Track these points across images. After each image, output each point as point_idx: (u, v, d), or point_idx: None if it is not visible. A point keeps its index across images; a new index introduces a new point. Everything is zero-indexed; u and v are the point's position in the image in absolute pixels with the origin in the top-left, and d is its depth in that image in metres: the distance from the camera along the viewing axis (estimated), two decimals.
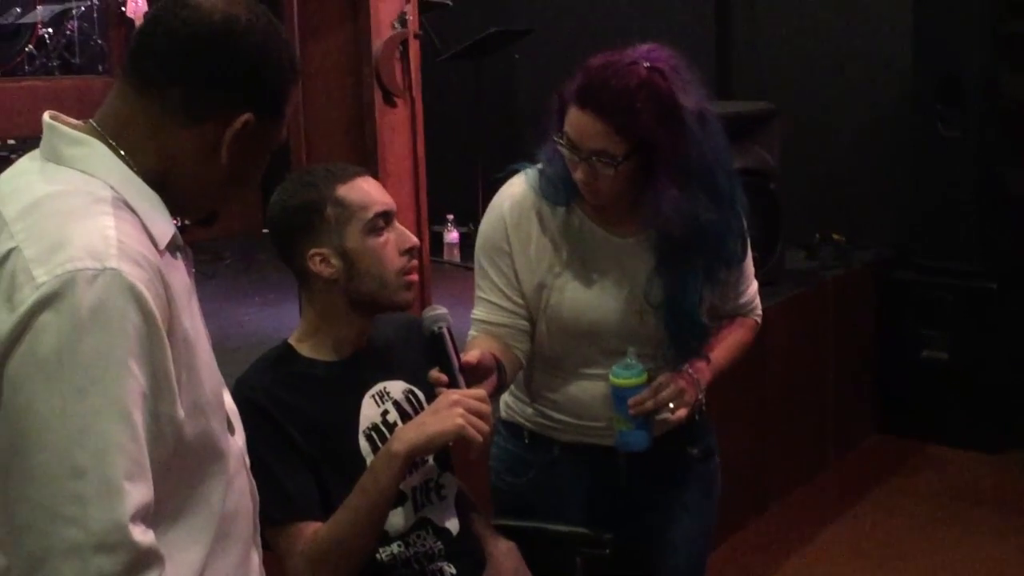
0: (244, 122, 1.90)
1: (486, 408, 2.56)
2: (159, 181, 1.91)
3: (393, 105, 4.47)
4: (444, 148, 6.78)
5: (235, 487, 2.03)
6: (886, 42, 7.04)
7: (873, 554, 5.28)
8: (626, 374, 2.88)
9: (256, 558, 2.14)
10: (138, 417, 1.73)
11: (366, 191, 2.75)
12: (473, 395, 2.57)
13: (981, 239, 6.40)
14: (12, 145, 7.87)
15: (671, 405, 2.87)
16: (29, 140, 7.90)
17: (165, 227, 1.90)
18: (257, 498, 2.17)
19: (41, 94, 8.26)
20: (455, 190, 7.51)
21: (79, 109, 7.33)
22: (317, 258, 2.72)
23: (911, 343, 6.57)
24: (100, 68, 8.64)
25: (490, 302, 2.98)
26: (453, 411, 2.52)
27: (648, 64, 2.76)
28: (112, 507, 1.68)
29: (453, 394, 2.56)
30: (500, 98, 8.24)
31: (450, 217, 7.61)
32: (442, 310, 2.67)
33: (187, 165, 1.91)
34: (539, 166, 2.98)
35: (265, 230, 2.85)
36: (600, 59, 2.80)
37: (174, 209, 1.95)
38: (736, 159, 2.88)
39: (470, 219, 7.82)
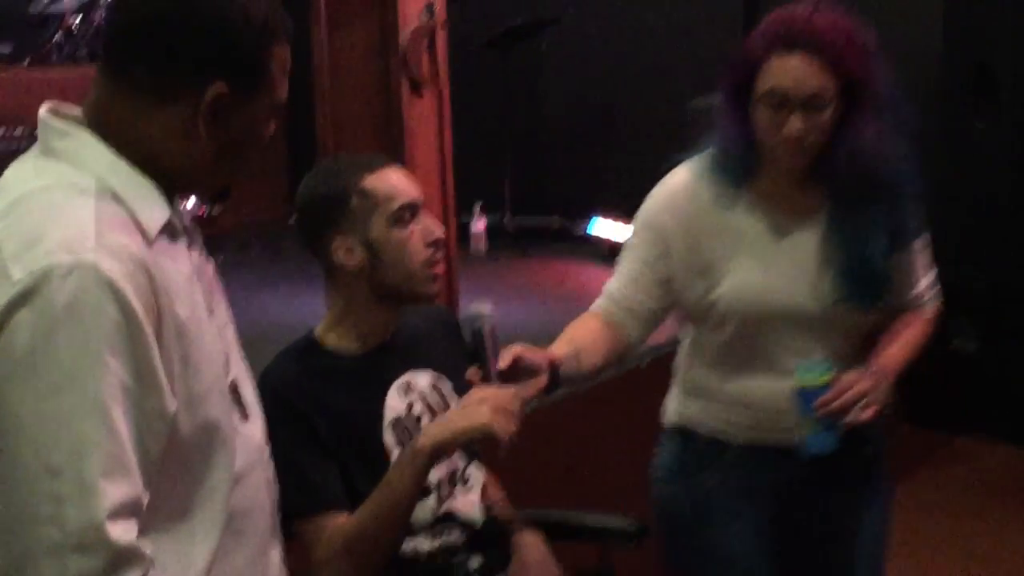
0: (216, 95, 1.82)
1: (514, 406, 2.52)
2: (148, 164, 1.85)
3: (420, 96, 4.47)
4: (472, 138, 6.77)
5: (250, 481, 2.00)
6: (916, 31, 6.99)
7: (901, 546, 5.25)
8: (812, 374, 2.74)
9: (276, 554, 2.12)
10: (118, 413, 1.69)
11: (393, 182, 2.74)
12: (502, 393, 2.53)
13: (1013, 230, 6.35)
14: None
15: (859, 405, 2.73)
16: None
17: (156, 213, 1.84)
18: (276, 492, 2.14)
19: (69, 83, 8.25)
20: (483, 180, 7.50)
21: None
22: (341, 249, 2.72)
23: (939, 334, 6.53)
24: None
25: (626, 275, 2.93)
26: (480, 408, 2.49)
27: (828, 7, 2.73)
28: (88, 506, 1.65)
29: (481, 391, 2.53)
30: (528, 88, 8.22)
31: (477, 206, 7.60)
32: (485, 308, 2.63)
33: (171, 145, 1.85)
34: (709, 151, 2.89)
35: (291, 220, 2.85)
36: (782, 10, 2.73)
37: (174, 189, 1.91)
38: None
39: (497, 209, 7.82)
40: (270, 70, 1.88)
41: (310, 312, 5.21)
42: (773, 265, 2.84)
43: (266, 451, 2.12)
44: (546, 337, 5.97)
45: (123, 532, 1.68)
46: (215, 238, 8.09)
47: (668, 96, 7.36)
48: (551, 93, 8.32)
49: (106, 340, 1.68)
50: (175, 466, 1.82)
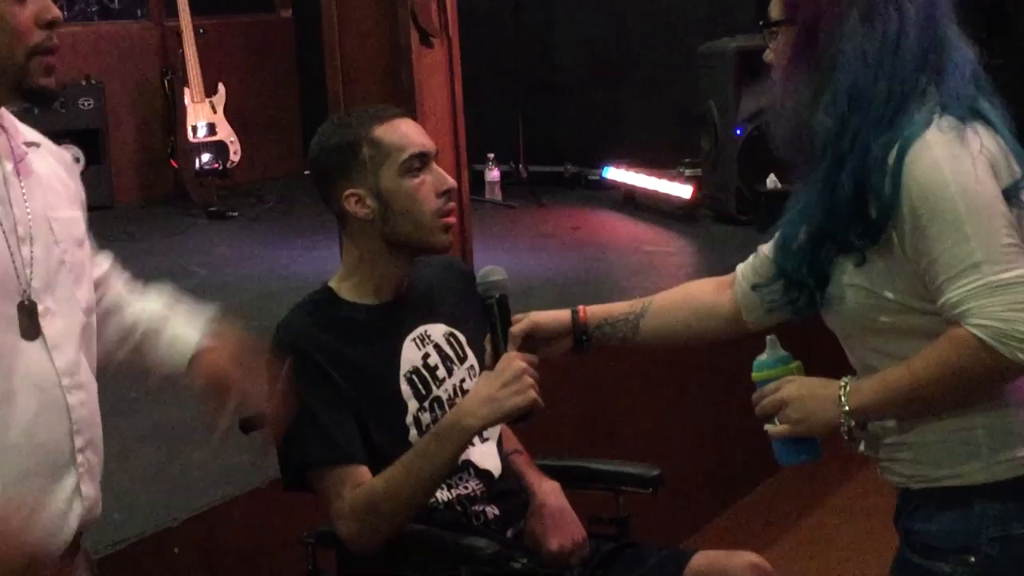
0: None
1: (536, 375, 2.56)
2: None
3: (430, 46, 4.45)
4: (484, 86, 6.75)
5: (31, 404, 2.10)
6: None
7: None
8: (760, 364, 2.33)
9: (69, 484, 2.17)
10: None
11: (403, 132, 2.75)
12: (529, 359, 2.56)
13: None
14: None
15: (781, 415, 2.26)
16: (71, 86, 7.94)
17: None
18: (84, 420, 2.19)
19: (81, 40, 8.26)
20: (496, 129, 7.49)
21: (118, 54, 7.46)
22: (353, 199, 2.73)
23: None
24: (139, 13, 8.62)
25: None
26: (524, 382, 2.53)
27: None
28: None
29: (517, 360, 2.55)
30: (538, 34, 8.20)
31: (491, 155, 7.60)
32: (496, 276, 2.63)
33: None
34: None
35: (306, 172, 2.85)
36: None
37: None
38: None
39: (511, 157, 7.81)
40: None
41: (325, 265, 5.24)
42: None
43: (71, 379, 2.16)
44: (561, 283, 5.99)
45: None
46: (230, 192, 8.13)
47: (679, 42, 7.34)
48: (562, 40, 8.29)
49: None
50: None
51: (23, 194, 2.15)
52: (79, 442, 2.17)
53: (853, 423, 2.20)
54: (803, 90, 2.22)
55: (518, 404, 2.53)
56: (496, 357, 2.58)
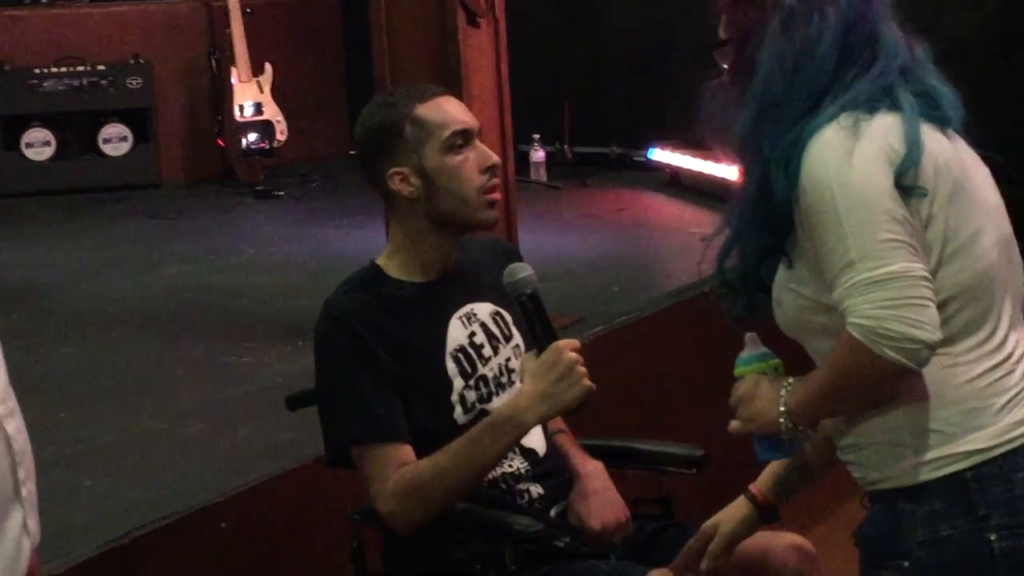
0: None
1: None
2: None
3: (477, 26, 4.45)
4: (529, 67, 6.75)
5: None
6: None
7: None
8: (739, 360, 2.33)
9: (16, 520, 1.94)
10: None
11: (445, 110, 2.76)
12: (577, 346, 2.59)
13: None
14: (103, 71, 7.95)
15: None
16: (119, 66, 7.99)
17: None
18: (22, 451, 1.97)
19: (129, 19, 8.31)
20: (541, 110, 7.48)
21: (166, 33, 7.50)
22: (397, 177, 2.74)
23: None
24: None
25: None
26: (578, 373, 2.55)
27: None
28: None
29: (568, 352, 2.57)
30: (585, 14, 8.18)
31: (536, 136, 7.60)
32: (523, 273, 2.65)
33: None
34: None
35: (352, 152, 2.87)
36: None
37: None
38: None
39: (556, 138, 7.81)
40: None
41: (371, 244, 5.27)
42: None
43: (5, 407, 1.95)
44: (606, 264, 5.98)
45: None
46: (276, 171, 8.16)
47: None
48: (608, 22, 8.26)
49: None
50: None
51: None
52: (21, 474, 1.96)
53: (791, 424, 2.21)
54: (736, 104, 2.24)
55: (575, 396, 2.56)
56: (541, 351, 2.59)
